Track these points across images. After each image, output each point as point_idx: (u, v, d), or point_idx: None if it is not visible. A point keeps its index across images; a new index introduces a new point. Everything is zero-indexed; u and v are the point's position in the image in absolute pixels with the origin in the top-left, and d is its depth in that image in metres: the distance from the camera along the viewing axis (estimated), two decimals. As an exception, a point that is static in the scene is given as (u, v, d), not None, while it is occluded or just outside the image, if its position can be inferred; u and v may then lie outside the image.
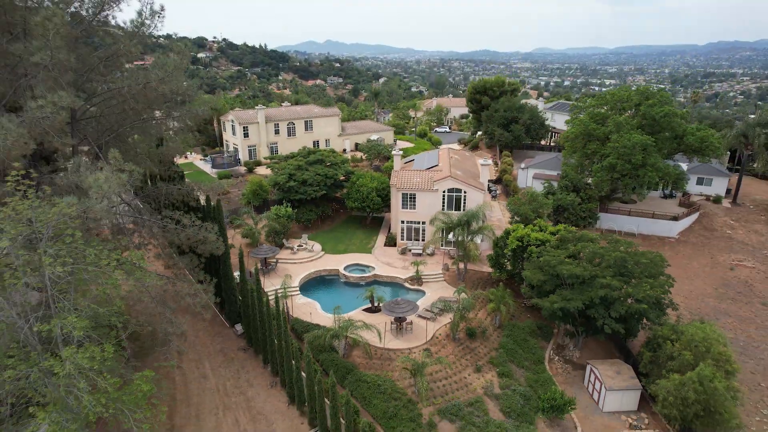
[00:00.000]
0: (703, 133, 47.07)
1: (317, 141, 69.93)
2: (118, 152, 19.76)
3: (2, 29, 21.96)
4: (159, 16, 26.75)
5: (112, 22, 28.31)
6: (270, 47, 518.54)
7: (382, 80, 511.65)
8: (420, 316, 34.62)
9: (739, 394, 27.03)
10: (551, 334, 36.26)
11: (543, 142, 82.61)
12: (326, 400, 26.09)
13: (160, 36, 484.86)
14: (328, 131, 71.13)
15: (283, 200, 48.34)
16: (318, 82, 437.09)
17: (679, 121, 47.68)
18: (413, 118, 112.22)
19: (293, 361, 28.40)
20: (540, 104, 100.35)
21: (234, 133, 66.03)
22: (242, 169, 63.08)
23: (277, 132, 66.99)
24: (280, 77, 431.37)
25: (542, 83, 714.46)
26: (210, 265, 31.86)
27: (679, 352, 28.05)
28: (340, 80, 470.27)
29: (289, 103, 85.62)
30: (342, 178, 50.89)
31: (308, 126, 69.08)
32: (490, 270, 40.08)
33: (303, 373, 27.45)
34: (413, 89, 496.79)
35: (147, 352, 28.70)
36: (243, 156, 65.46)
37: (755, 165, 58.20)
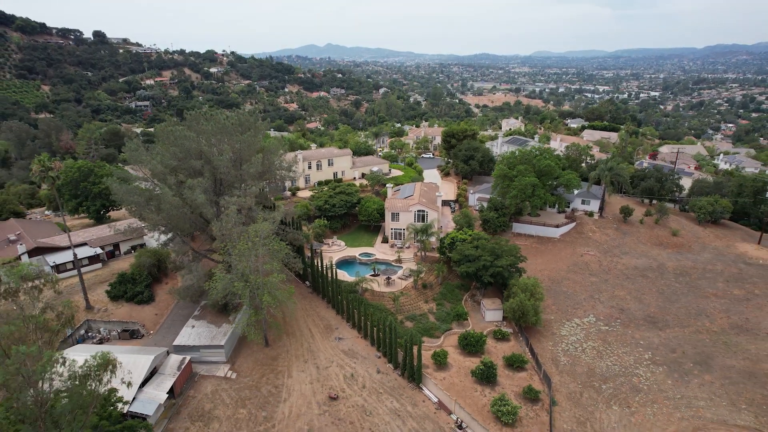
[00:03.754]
0: (569, 176, 79.70)
1: (336, 172, 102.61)
2: (284, 206, 52.34)
3: (237, 160, 54.44)
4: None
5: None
6: (271, 51, 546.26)
7: (382, 91, 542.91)
8: (399, 277, 67.39)
9: (540, 308, 59.55)
10: (469, 288, 68.81)
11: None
12: (355, 311, 58.72)
13: (174, 52, 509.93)
14: (344, 165, 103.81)
15: (321, 215, 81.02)
16: (322, 94, 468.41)
17: (557, 169, 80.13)
18: (405, 145, 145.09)
19: (339, 296, 61.16)
20: (500, 137, 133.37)
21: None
22: (288, 193, 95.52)
23: (309, 167, 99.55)
24: (286, 90, 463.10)
25: (537, 90, 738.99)
26: (295, 251, 64.44)
27: (516, 290, 60.63)
28: (343, 91, 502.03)
29: (315, 145, 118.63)
30: (355, 201, 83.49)
31: (330, 162, 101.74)
32: (438, 255, 72.63)
33: (344, 301, 60.19)
34: (411, 100, 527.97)
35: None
36: (287, 184, 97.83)
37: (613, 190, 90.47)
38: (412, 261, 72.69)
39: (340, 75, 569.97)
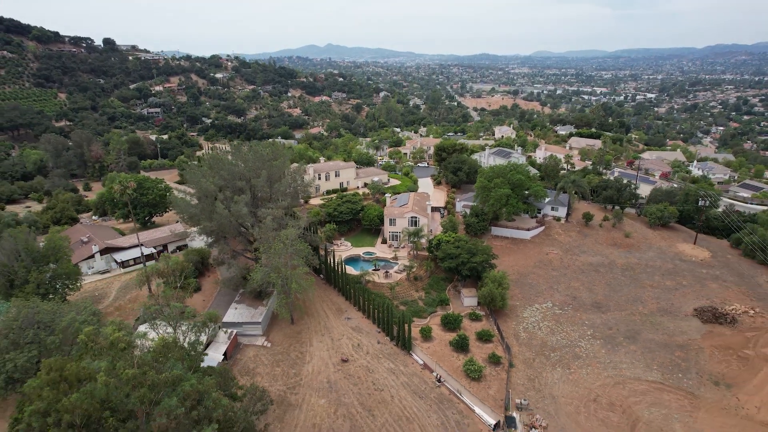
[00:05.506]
0: (537, 187, 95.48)
1: (342, 182, 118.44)
2: (301, 214, 68.17)
3: (270, 180, 70.26)
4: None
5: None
6: (272, 52, 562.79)
7: (382, 94, 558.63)
8: (395, 271, 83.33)
9: (506, 295, 75.31)
10: (451, 280, 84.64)
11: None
12: (360, 297, 74.60)
13: (181, 57, 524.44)
14: (348, 176, 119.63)
15: (331, 221, 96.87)
16: (324, 98, 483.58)
17: (527, 181, 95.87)
18: (402, 156, 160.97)
19: (347, 286, 77.04)
20: (487, 149, 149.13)
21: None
22: (301, 201, 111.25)
23: (319, 178, 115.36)
24: (289, 94, 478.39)
25: (535, 92, 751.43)
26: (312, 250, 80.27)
27: (487, 281, 76.40)
28: (344, 95, 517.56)
29: (324, 158, 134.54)
30: (359, 209, 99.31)
31: (337, 174, 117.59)
32: (427, 253, 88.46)
33: (351, 290, 76.08)
34: (411, 103, 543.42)
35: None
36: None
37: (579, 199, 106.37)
38: (406, 258, 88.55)
39: (341, 79, 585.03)
